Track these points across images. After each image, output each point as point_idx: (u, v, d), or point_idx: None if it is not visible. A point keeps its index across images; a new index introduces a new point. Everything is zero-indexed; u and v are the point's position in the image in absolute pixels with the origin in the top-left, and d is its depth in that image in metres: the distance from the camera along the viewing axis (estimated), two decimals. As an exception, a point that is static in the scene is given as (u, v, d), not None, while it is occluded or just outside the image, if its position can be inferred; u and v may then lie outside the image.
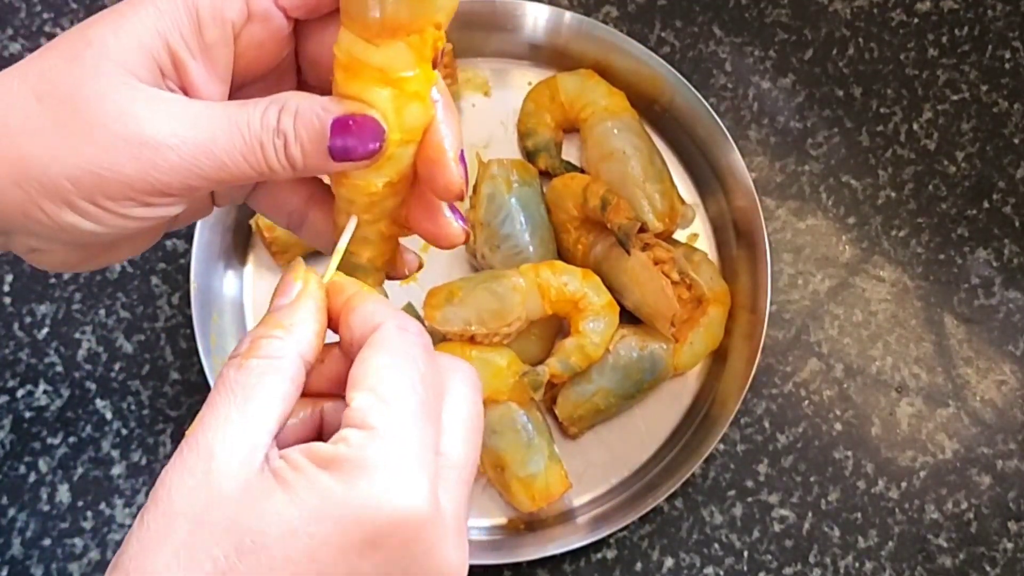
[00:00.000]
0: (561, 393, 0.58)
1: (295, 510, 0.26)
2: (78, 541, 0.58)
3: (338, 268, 0.32)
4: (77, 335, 0.61)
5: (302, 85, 0.34)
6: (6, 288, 0.61)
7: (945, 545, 0.60)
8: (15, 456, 0.59)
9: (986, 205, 0.66)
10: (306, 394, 0.30)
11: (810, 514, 0.60)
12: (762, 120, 0.66)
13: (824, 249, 0.65)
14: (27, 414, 0.59)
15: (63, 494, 0.58)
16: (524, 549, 0.56)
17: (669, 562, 0.59)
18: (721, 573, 0.59)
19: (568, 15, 0.62)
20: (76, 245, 0.32)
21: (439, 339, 0.57)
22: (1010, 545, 0.60)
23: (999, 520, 0.60)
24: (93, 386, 0.60)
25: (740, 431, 0.61)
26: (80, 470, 0.59)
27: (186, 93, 0.31)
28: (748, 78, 0.67)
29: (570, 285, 0.56)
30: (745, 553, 0.59)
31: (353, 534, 0.26)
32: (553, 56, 0.64)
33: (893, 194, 0.66)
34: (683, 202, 0.61)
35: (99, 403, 0.60)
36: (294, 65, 0.34)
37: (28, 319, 0.61)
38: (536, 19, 0.63)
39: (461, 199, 0.32)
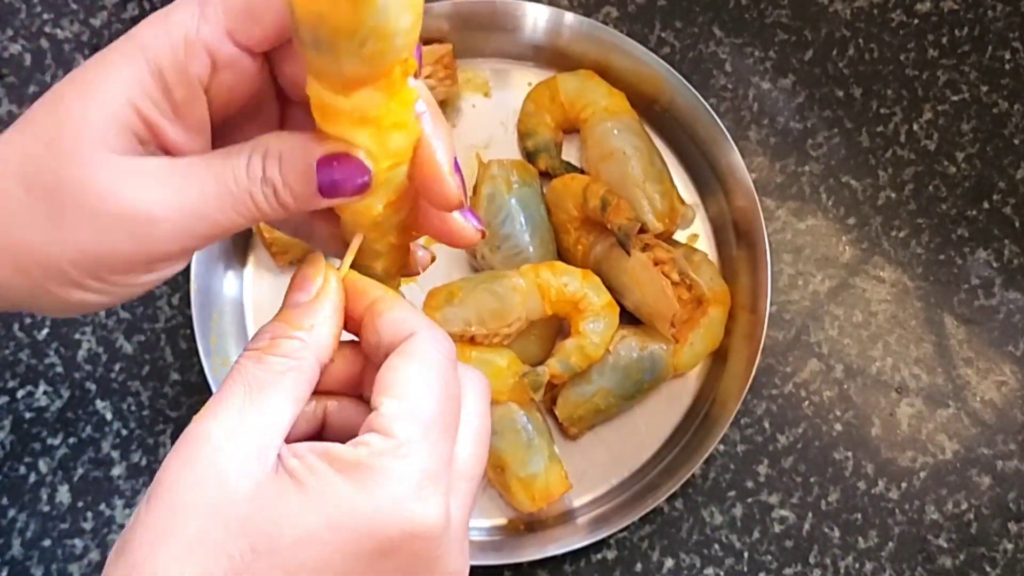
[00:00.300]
0: (561, 394, 0.58)
1: (311, 516, 0.26)
2: (78, 542, 0.58)
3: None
4: (77, 336, 0.61)
5: (285, 105, 0.33)
6: (6, 289, 0.61)
7: (945, 546, 0.60)
8: (15, 457, 0.59)
9: (986, 206, 0.66)
10: (312, 393, 0.30)
11: (810, 515, 0.60)
12: (762, 120, 0.66)
13: (824, 249, 0.65)
14: (27, 415, 0.59)
15: (63, 495, 0.58)
16: (524, 550, 0.56)
17: (669, 563, 0.59)
18: (721, 574, 0.59)
19: (568, 15, 0.62)
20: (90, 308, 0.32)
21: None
22: (1010, 546, 0.60)
23: (999, 521, 0.60)
24: (93, 387, 0.60)
25: (740, 432, 0.61)
26: (80, 471, 0.59)
27: (167, 153, 0.30)
28: (748, 78, 0.67)
29: (570, 286, 0.56)
30: (745, 554, 0.59)
31: (366, 543, 0.27)
32: (553, 56, 0.64)
33: (893, 195, 0.66)
34: (683, 202, 0.61)
35: (99, 404, 0.60)
36: (274, 89, 0.33)
37: (28, 320, 0.61)
38: (536, 19, 0.63)
39: (461, 208, 0.32)
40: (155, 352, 0.61)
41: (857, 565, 0.59)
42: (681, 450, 0.59)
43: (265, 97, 0.33)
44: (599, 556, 0.59)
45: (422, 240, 0.36)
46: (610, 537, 0.59)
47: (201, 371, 0.56)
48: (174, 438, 0.59)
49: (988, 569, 0.60)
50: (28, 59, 0.65)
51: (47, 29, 0.66)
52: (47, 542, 0.58)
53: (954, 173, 0.66)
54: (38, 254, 0.29)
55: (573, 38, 0.63)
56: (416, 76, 0.30)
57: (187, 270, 0.58)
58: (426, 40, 0.62)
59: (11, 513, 0.58)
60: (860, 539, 0.60)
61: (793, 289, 0.64)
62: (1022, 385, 0.63)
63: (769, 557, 0.59)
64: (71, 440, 0.59)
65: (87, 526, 0.58)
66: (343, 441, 0.28)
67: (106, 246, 0.29)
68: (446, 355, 0.30)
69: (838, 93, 0.67)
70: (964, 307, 0.64)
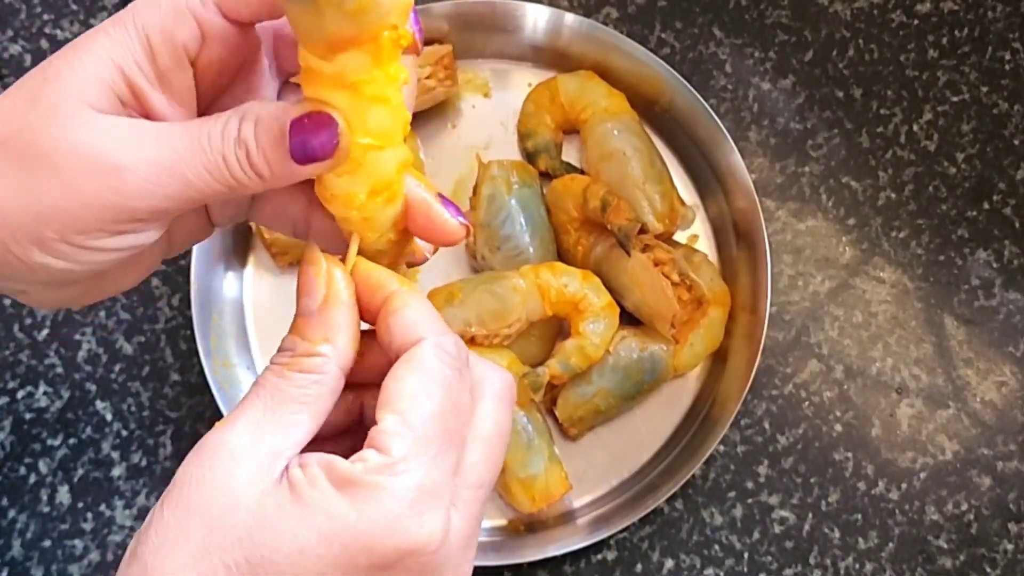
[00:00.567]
0: (561, 394, 0.58)
1: (306, 531, 0.26)
2: (78, 542, 0.58)
3: None
4: (77, 336, 0.61)
5: (285, 83, 0.34)
6: (6, 289, 0.61)
7: (945, 546, 0.60)
8: (15, 457, 0.59)
9: (986, 206, 0.66)
10: (347, 386, 0.30)
11: (810, 515, 0.60)
12: (762, 121, 0.66)
13: (824, 250, 0.65)
14: (27, 415, 0.59)
15: (63, 495, 0.58)
16: (524, 550, 0.56)
17: (669, 563, 0.59)
18: (721, 574, 0.59)
19: (568, 16, 0.62)
20: (56, 284, 0.31)
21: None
22: (1010, 546, 0.60)
23: (999, 521, 0.60)
24: (93, 387, 0.60)
25: (740, 432, 0.61)
26: (80, 471, 0.59)
27: (150, 120, 0.30)
28: (748, 79, 0.67)
29: (570, 286, 0.56)
30: (745, 554, 0.59)
31: (360, 559, 0.27)
32: (553, 57, 0.64)
33: (893, 195, 0.66)
34: (683, 203, 0.61)
35: (99, 404, 0.60)
36: (274, 75, 0.33)
37: (28, 320, 0.61)
38: (536, 20, 0.63)
39: (467, 236, 0.32)
40: (155, 353, 0.61)
41: (857, 566, 0.59)
42: (681, 451, 0.59)
43: (264, 82, 0.33)
44: (599, 557, 0.59)
45: None
46: (610, 538, 0.59)
47: (201, 372, 0.56)
48: (174, 439, 0.59)
49: (988, 570, 0.60)
50: (28, 59, 0.65)
51: (47, 29, 0.66)
52: (47, 543, 0.58)
53: (954, 174, 0.66)
54: (3, 213, 0.28)
55: (573, 39, 0.63)
56: (417, 53, 0.30)
57: (187, 271, 0.58)
58: (426, 41, 0.62)
59: (11, 514, 0.58)
60: (860, 540, 0.60)
61: (793, 290, 0.64)
62: (1022, 386, 0.63)
63: (769, 558, 0.59)
64: (71, 441, 0.59)
65: (87, 527, 0.58)
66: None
67: (72, 198, 0.28)
68: (450, 365, 0.29)
69: (838, 94, 0.67)
70: (964, 308, 0.64)
